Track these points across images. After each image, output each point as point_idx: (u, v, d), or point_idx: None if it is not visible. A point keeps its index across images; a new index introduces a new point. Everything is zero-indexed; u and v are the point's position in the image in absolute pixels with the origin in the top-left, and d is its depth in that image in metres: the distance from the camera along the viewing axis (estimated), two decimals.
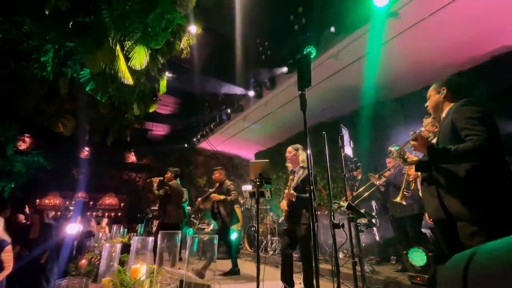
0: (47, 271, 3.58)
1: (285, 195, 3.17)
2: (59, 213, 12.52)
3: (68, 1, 2.77)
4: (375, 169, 4.63)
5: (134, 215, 12.19)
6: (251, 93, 6.71)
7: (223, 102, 8.03)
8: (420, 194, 2.26)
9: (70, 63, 3.97)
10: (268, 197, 4.06)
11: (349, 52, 4.81)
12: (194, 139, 9.96)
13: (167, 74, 6.19)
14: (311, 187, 1.66)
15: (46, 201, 12.85)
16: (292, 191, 3.03)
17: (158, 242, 1.95)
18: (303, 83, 1.61)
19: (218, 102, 8.29)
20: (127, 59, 3.52)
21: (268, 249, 5.70)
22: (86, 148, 13.50)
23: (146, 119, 9.60)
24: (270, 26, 5.84)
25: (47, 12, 2.67)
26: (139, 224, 8.09)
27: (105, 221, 8.82)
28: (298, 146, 3.35)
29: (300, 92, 1.63)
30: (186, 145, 10.85)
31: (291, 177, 3.30)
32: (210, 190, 5.22)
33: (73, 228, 5.24)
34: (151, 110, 6.82)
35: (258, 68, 6.21)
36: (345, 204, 2.21)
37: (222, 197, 4.62)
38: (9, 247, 2.60)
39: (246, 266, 5.23)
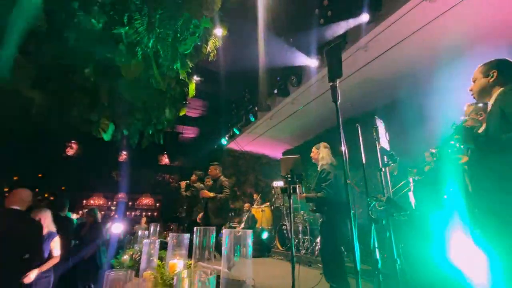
0: (97, 266, 3.91)
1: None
2: (102, 212, 13.54)
3: (105, 15, 3.00)
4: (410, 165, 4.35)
5: (168, 214, 12.81)
6: (277, 91, 6.70)
7: (250, 102, 8.11)
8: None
9: (109, 72, 4.28)
10: (301, 193, 4.02)
11: (379, 42, 4.59)
12: (222, 140, 10.19)
13: (195, 78, 6.40)
14: (347, 182, 1.61)
15: (91, 201, 13.97)
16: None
17: (194, 238, 2.03)
18: (334, 74, 1.57)
19: (245, 102, 8.39)
20: (159, 65, 3.71)
21: (300, 248, 5.62)
22: (124, 152, 14.49)
23: (177, 123, 10.03)
24: (295, 21, 5.77)
25: (90, 28, 2.92)
26: (174, 223, 8.47)
27: (144, 220, 9.39)
28: (320, 144, 3.32)
29: (331, 84, 1.59)
30: (215, 146, 11.14)
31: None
32: (201, 185, 5.27)
33: (117, 227, 5.65)
34: (181, 114, 7.11)
35: (284, 65, 6.18)
36: (383, 198, 2.11)
37: (212, 194, 4.64)
38: (57, 238, 2.85)
39: (278, 265, 5.22)
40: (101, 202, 14.25)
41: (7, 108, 5.73)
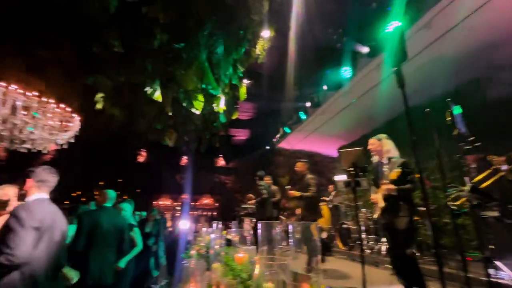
0: (173, 256, 4.38)
1: (380, 189, 2.92)
2: (170, 212, 14.97)
3: (167, 33, 3.36)
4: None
5: (227, 213, 13.50)
6: (327, 85, 6.48)
7: (299, 100, 8.03)
8: None
9: (171, 85, 4.75)
10: (365, 187, 3.79)
11: (445, 17, 4.06)
12: (274, 140, 10.29)
13: (245, 81, 6.63)
14: (414, 176, 1.48)
15: (160, 202, 15.60)
16: (388, 185, 2.77)
17: (259, 233, 2.11)
18: (398, 58, 1.47)
19: (294, 100, 8.33)
20: (214, 72, 3.96)
21: (365, 248, 5.31)
22: (185, 157, 15.85)
23: (229, 126, 10.52)
24: (343, 8, 5.49)
25: (155, 46, 3.32)
26: (232, 221, 8.90)
27: (205, 218, 10.11)
28: (381, 136, 3.05)
29: (395, 69, 1.49)
30: (267, 147, 11.32)
31: (385, 169, 3.00)
32: (287, 187, 5.29)
33: (184, 224, 6.21)
34: (233, 117, 7.45)
35: (333, 58, 5.95)
36: (467, 187, 1.86)
37: (298, 193, 4.59)
38: (136, 229, 3.28)
39: (340, 264, 5.03)
40: (168, 203, 15.82)
41: (94, 124, 6.84)
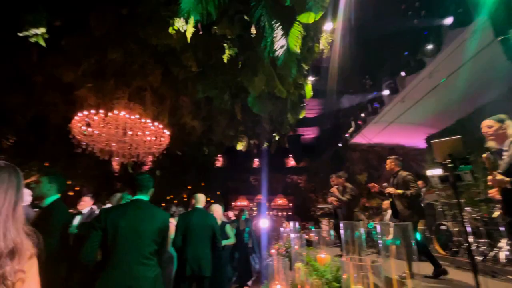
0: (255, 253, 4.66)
1: (491, 181, 2.38)
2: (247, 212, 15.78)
3: (234, 47, 3.62)
4: None
5: (302, 213, 13.40)
6: (406, 68, 5.72)
7: (373, 89, 7.35)
8: None
9: (240, 93, 5.07)
10: (469, 181, 3.17)
11: None
12: (346, 135, 9.69)
13: (310, 78, 6.49)
14: None
15: (238, 203, 16.64)
16: (501, 176, 2.23)
17: (342, 233, 2.03)
18: (505, 24, 1.19)
19: (366, 90, 7.68)
20: (278, 75, 4.04)
21: (475, 255, 4.41)
22: (256, 159, 16.56)
23: (297, 125, 10.44)
24: None
25: (225, 61, 3.63)
26: (309, 222, 8.75)
27: (281, 218, 10.29)
28: (503, 116, 2.44)
29: (501, 38, 1.22)
30: (339, 143, 10.75)
31: (504, 157, 2.41)
32: (384, 184, 4.75)
33: (264, 223, 6.49)
34: (301, 116, 7.39)
35: (411, 35, 5.23)
36: None
37: (399, 191, 4.05)
38: (228, 226, 3.65)
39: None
40: (245, 203, 16.76)
41: (180, 136, 7.86)
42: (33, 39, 2.86)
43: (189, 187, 14.45)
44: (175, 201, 13.55)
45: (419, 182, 6.87)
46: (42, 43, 2.93)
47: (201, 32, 3.18)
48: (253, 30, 3.53)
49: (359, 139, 9.90)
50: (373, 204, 9.57)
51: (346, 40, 5.45)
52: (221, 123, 6.70)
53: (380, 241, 1.66)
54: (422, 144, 9.17)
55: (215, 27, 3.11)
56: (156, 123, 5.20)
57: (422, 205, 6.05)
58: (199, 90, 4.47)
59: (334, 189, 5.23)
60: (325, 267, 2.49)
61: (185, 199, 14.03)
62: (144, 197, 1.97)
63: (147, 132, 5.23)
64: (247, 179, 16.76)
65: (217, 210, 3.72)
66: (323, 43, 4.33)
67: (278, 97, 4.84)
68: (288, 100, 5.74)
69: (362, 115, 8.04)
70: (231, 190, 16.51)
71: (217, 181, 15.71)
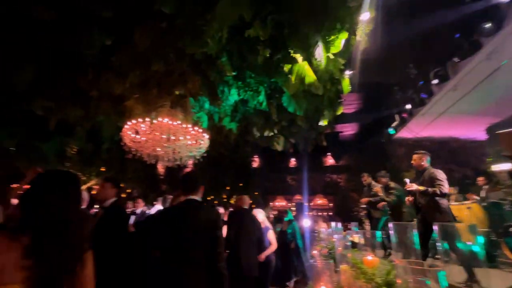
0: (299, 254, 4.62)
1: None
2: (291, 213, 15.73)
3: (268, 48, 3.64)
4: None
5: (343, 213, 12.87)
6: (460, 51, 5.14)
7: (418, 79, 6.75)
8: None
9: (275, 93, 5.07)
10: None
11: None
12: (390, 130, 9.06)
13: (347, 72, 6.21)
14: None
15: (276, 203, 16.64)
16: None
17: (391, 234, 1.89)
18: None
19: (411, 80, 7.09)
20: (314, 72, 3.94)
21: None
22: (293, 159, 16.37)
23: (335, 122, 10.07)
24: None
25: (260, 62, 3.66)
26: (351, 222, 8.38)
27: (322, 218, 10.00)
28: None
29: None
30: (381, 139, 10.10)
31: None
32: (406, 180, 4.37)
33: (307, 222, 6.41)
34: (338, 113, 7.10)
35: (463, 14, 4.70)
36: None
37: (421, 188, 3.76)
38: (271, 231, 3.68)
39: None
40: (283, 203, 16.67)
41: (217, 139, 8.13)
42: (89, 59, 3.21)
43: (228, 187, 14.87)
44: (216, 201, 14.06)
45: (480, 179, 6.11)
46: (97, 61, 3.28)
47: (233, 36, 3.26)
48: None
49: (404, 133, 9.18)
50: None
51: (386, 27, 5.10)
52: (257, 124, 6.75)
53: (438, 244, 1.51)
54: (482, 136, 8.16)
55: (248, 30, 3.15)
56: (196, 128, 5.45)
57: (484, 204, 5.38)
58: (234, 94, 4.57)
59: (378, 189, 4.96)
60: (374, 270, 2.35)
61: (224, 200, 14.46)
62: (196, 197, 1.94)
63: (188, 137, 5.51)
64: (285, 179, 16.66)
65: (259, 215, 3.81)
66: (360, 35, 4.10)
67: (314, 94, 4.72)
68: (324, 97, 5.56)
69: (408, 107, 7.43)
70: (269, 190, 16.54)
71: (255, 182, 15.89)
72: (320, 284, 1.71)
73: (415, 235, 1.77)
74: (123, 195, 11.47)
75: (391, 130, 8.96)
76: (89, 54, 3.21)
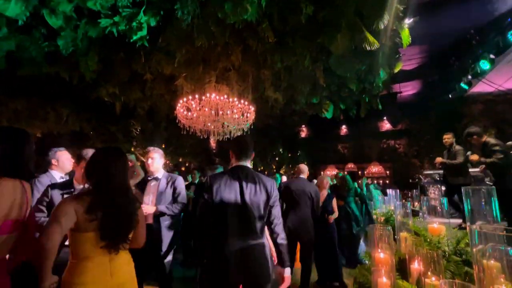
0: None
1: None
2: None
3: (311, 4, 3.32)
4: None
5: (403, 181, 11.98)
6: None
7: (504, 18, 5.43)
8: None
9: (321, 56, 4.71)
10: None
11: None
12: (462, 85, 7.73)
13: (407, 22, 5.36)
14: None
15: (327, 172, 16.29)
16: None
17: (464, 201, 1.68)
18: None
19: (493, 22, 5.75)
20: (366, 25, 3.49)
21: None
22: (344, 126, 15.51)
23: (392, 82, 9.01)
24: None
25: (303, 21, 3.39)
26: (413, 190, 7.75)
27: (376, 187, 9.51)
28: None
29: None
30: (450, 95, 8.73)
31: None
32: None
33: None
34: (396, 70, 6.29)
35: None
36: None
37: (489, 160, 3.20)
38: (334, 199, 3.80)
39: None
40: (334, 172, 16.27)
41: (263, 110, 8.12)
42: (139, 42, 3.41)
43: (277, 158, 15.08)
44: (266, 172, 14.49)
45: None
46: (146, 43, 3.47)
47: None
48: None
49: (482, 87, 7.76)
50: None
51: None
52: (303, 91, 6.47)
53: None
54: None
55: None
56: (242, 101, 5.51)
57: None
58: (278, 61, 4.40)
59: (475, 157, 3.95)
60: (441, 239, 2.17)
61: (274, 171, 14.77)
62: (247, 164, 1.78)
63: (235, 110, 5.63)
64: (335, 148, 16.05)
65: (322, 180, 3.94)
66: None
67: (366, 52, 4.23)
68: (379, 53, 4.96)
69: (490, 56, 6.12)
70: (320, 160, 16.22)
71: (304, 151, 15.72)
72: (378, 251, 1.63)
73: (495, 202, 1.54)
74: (183, 168, 12.66)
75: (463, 85, 7.62)
76: (139, 39, 3.40)
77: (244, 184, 1.66)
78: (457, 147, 4.04)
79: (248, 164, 1.80)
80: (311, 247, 3.28)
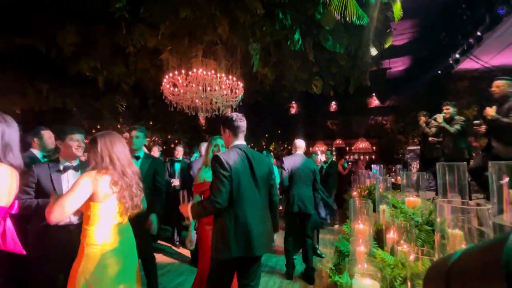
0: None
1: None
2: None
3: None
4: None
5: (388, 157, 12.39)
6: None
7: None
8: None
9: (311, 30, 4.57)
10: None
11: None
12: (450, 61, 7.78)
13: None
14: None
15: (316, 148, 16.58)
16: None
17: (438, 175, 1.78)
18: None
19: None
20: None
21: None
22: (333, 102, 15.54)
23: (382, 58, 8.95)
24: None
25: None
26: (397, 165, 8.05)
27: (362, 162, 9.84)
28: None
29: None
30: (439, 71, 8.79)
31: None
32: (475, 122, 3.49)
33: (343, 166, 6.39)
34: (387, 45, 6.23)
35: None
36: None
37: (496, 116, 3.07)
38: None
39: None
40: (323, 148, 16.59)
41: (251, 87, 7.97)
42: (118, 13, 3.20)
43: (266, 135, 15.14)
44: (256, 149, 14.59)
45: None
46: (126, 14, 3.26)
47: None
48: None
49: (468, 63, 7.83)
50: (483, 144, 7.92)
51: None
52: (293, 67, 6.36)
53: (495, 184, 1.39)
54: None
55: None
56: (230, 76, 5.38)
57: None
58: (267, 35, 4.26)
59: (438, 116, 4.01)
60: (415, 210, 2.32)
61: (264, 147, 14.89)
62: (243, 141, 1.89)
63: (223, 86, 5.51)
64: (324, 124, 16.19)
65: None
66: None
67: (357, 26, 4.14)
68: (369, 28, 4.86)
69: (478, 33, 6.11)
70: (309, 136, 16.38)
71: (293, 128, 15.79)
72: (358, 222, 1.75)
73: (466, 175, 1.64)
74: (172, 145, 12.57)
75: (451, 62, 7.68)
76: (118, 9, 3.18)
77: (252, 161, 1.82)
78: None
79: (244, 141, 1.90)
80: (313, 224, 3.45)
